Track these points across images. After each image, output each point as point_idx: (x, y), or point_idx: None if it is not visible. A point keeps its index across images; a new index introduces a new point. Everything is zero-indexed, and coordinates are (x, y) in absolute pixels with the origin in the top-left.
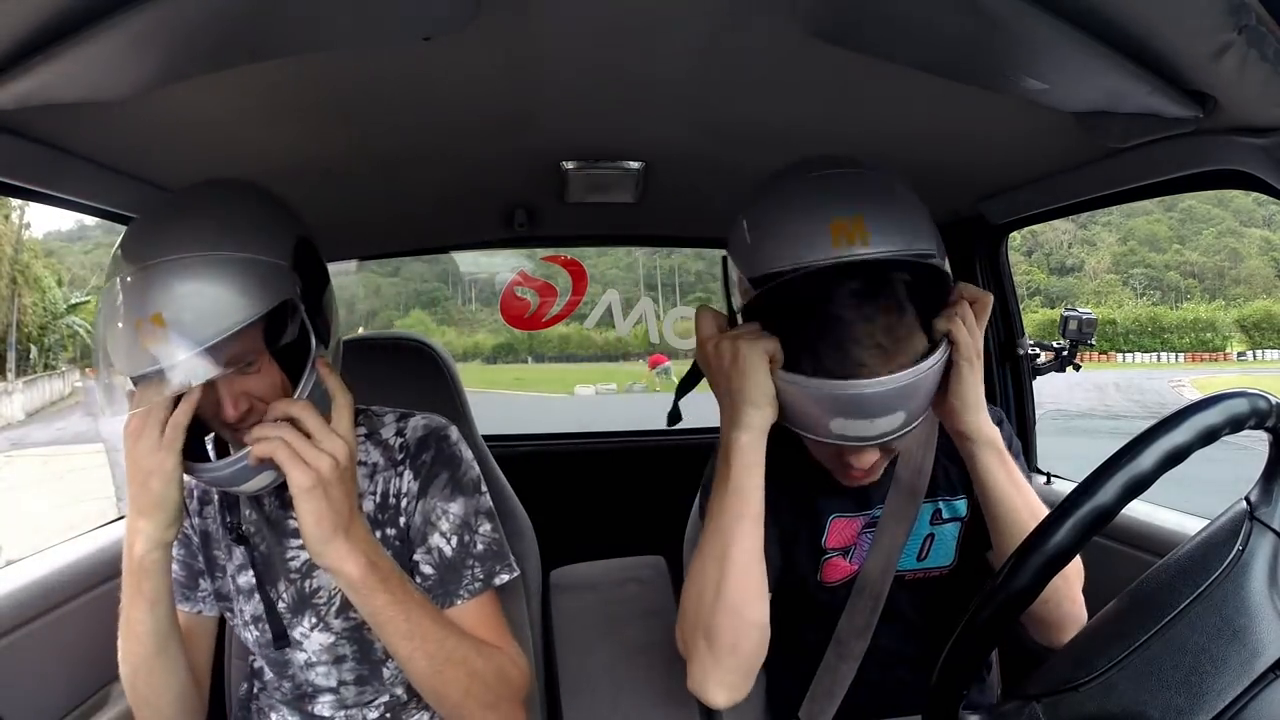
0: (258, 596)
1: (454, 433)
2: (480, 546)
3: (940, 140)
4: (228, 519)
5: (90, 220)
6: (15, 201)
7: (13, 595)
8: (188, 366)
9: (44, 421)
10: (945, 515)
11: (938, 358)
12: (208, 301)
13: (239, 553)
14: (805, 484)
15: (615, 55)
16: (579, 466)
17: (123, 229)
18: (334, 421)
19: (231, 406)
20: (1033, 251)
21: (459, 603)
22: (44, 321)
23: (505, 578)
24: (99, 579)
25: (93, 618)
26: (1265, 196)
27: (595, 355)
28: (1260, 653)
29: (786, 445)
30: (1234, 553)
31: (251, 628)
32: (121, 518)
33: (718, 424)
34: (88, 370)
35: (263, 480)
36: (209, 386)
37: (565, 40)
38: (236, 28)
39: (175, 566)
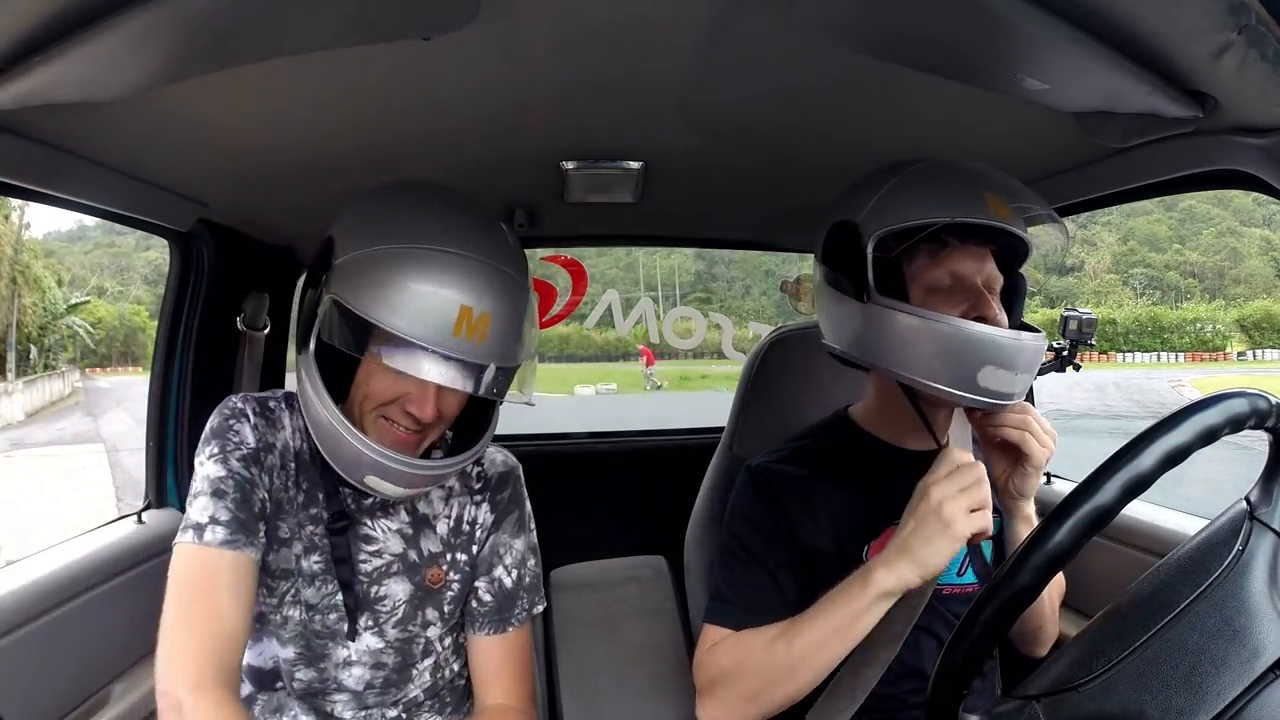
0: (329, 586)
1: (521, 472)
2: (529, 580)
3: (940, 140)
4: (328, 504)
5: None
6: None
7: (13, 595)
8: (471, 374)
9: (44, 422)
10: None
11: (1043, 335)
12: (516, 329)
13: (309, 534)
14: (857, 502)
15: (615, 55)
16: (579, 466)
17: (122, 228)
18: None
19: (434, 410)
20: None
21: (510, 630)
22: (44, 321)
23: (541, 607)
24: (100, 579)
25: (93, 618)
26: (1265, 196)
27: (595, 355)
28: (1260, 653)
29: (842, 462)
30: (1234, 553)
31: (301, 608)
32: (122, 517)
33: (717, 424)
34: (87, 370)
35: (420, 491)
36: (413, 384)
37: (565, 40)
38: (236, 28)
39: (230, 506)
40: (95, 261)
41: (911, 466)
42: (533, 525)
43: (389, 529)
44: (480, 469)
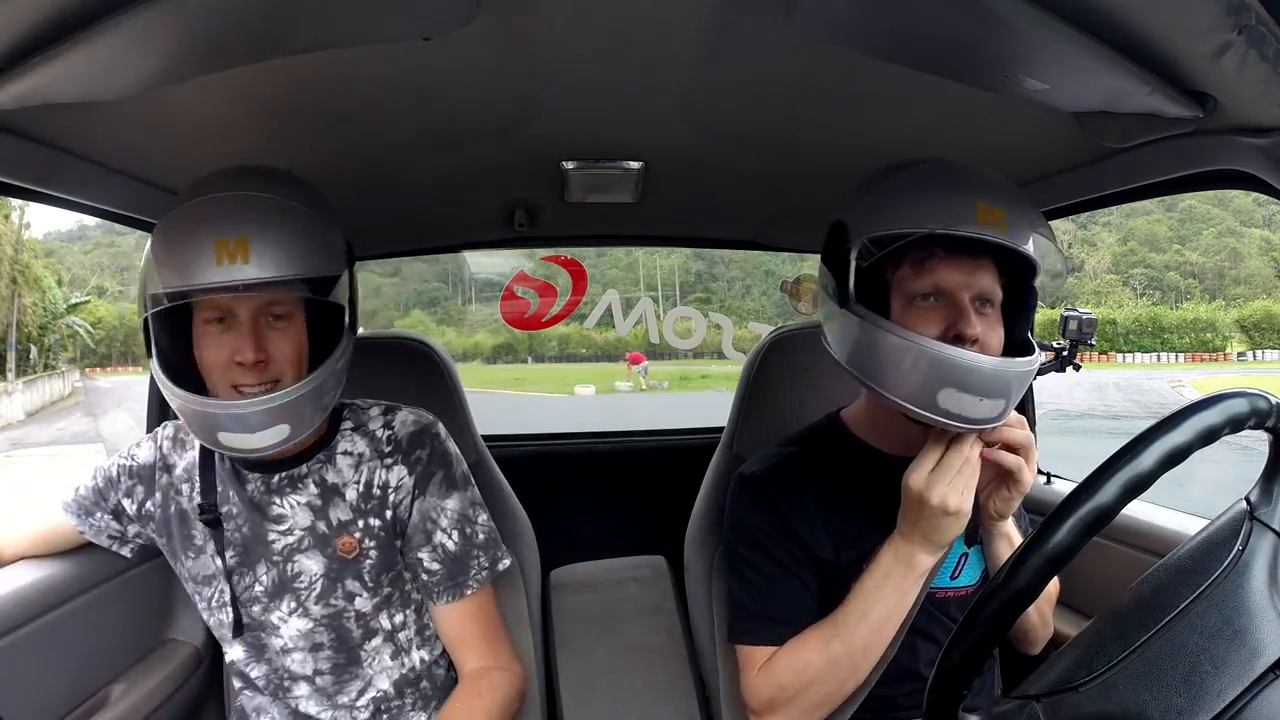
0: (248, 578)
1: (442, 429)
2: (481, 536)
3: (940, 140)
4: (202, 500)
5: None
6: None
7: (13, 595)
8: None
9: (44, 421)
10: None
11: (1037, 358)
12: (290, 241)
13: (214, 536)
14: (849, 510)
15: (615, 55)
16: (579, 466)
17: (122, 228)
18: None
19: (254, 348)
20: None
21: (469, 593)
22: (44, 321)
23: (506, 563)
24: (100, 579)
25: (93, 618)
26: (1265, 196)
27: (595, 355)
28: (1260, 653)
29: (833, 468)
30: (1234, 553)
31: (219, 613)
32: None
33: (717, 424)
34: (87, 370)
35: (276, 436)
36: (235, 330)
37: (565, 40)
38: (236, 28)
39: (84, 490)
40: (95, 261)
41: (899, 471)
42: (470, 480)
43: (297, 503)
44: (390, 431)
